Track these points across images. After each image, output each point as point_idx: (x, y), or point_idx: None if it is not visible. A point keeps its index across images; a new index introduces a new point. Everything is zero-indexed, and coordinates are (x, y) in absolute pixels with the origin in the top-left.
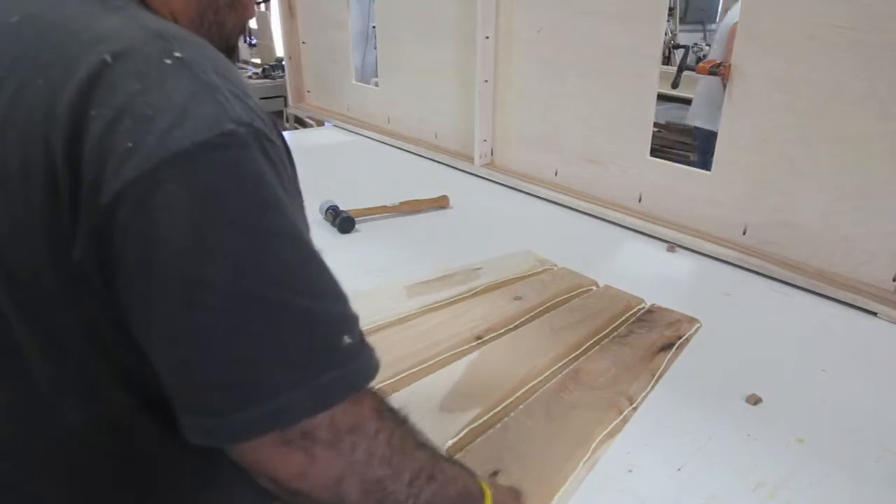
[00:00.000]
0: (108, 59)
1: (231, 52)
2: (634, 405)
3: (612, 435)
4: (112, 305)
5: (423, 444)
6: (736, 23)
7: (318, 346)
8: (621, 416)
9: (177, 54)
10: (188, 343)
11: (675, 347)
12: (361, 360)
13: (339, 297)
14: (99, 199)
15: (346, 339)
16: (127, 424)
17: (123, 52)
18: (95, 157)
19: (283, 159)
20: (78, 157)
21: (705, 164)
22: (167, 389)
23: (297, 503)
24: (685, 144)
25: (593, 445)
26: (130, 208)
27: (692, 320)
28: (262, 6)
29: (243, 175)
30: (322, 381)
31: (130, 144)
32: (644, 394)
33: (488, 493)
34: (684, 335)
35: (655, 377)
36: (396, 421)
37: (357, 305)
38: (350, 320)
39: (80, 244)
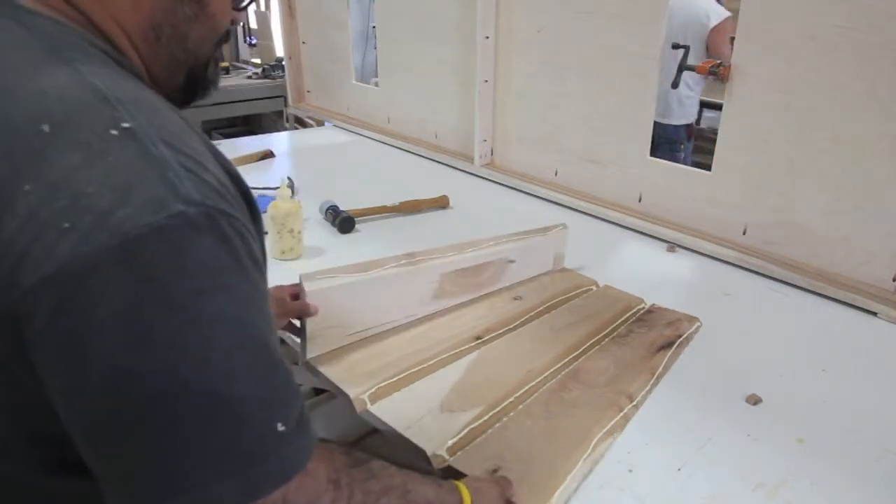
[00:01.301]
0: (46, 128)
1: (206, 66)
2: (635, 403)
3: (612, 433)
4: (21, 375)
5: (388, 490)
6: (717, 24)
7: (250, 437)
8: (621, 414)
9: (124, 124)
10: (114, 432)
11: (674, 346)
12: (296, 446)
13: (277, 383)
14: (23, 279)
15: (280, 427)
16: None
17: (63, 121)
18: (26, 235)
19: (244, 229)
20: (1, 231)
21: (673, 157)
22: (93, 470)
23: None
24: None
25: (593, 442)
26: (62, 292)
27: (692, 319)
28: (260, 5)
29: (188, 260)
30: (252, 472)
31: (67, 225)
32: (644, 392)
33: (467, 498)
34: (684, 334)
35: (655, 375)
36: (356, 480)
37: (382, 298)
38: (286, 405)
39: None
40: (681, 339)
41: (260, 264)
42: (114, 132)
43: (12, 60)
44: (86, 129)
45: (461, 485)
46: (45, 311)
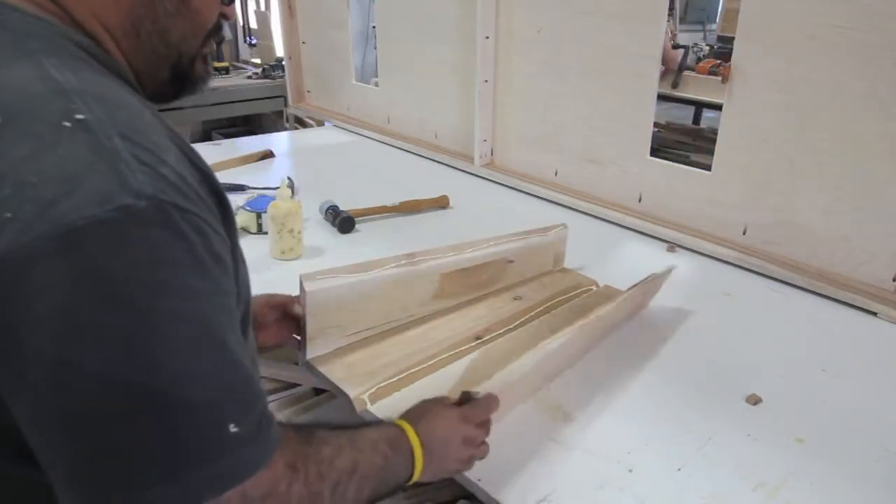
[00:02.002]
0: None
1: (192, 61)
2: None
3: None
4: None
5: (340, 448)
6: None
7: (196, 440)
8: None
9: (78, 116)
10: (55, 428)
11: None
12: (253, 448)
13: (232, 383)
14: None
15: (233, 429)
16: None
17: (16, 113)
18: None
19: (203, 224)
20: None
21: None
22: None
23: None
24: (685, 144)
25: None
26: (3, 282)
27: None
28: (257, 5)
29: (134, 254)
30: (197, 475)
31: (9, 214)
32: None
33: (410, 430)
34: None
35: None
36: (311, 455)
37: (382, 298)
38: (241, 407)
39: None
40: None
41: (224, 263)
42: (66, 124)
43: None
44: (38, 120)
45: (399, 421)
46: None
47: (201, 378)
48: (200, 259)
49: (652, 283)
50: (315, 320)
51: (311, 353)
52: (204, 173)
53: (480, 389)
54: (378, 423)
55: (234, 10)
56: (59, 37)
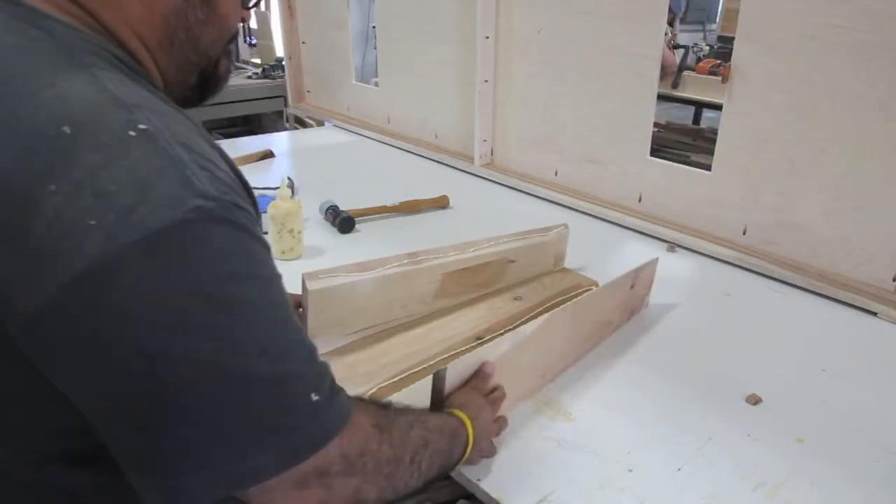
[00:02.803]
0: (67, 129)
1: (216, 65)
2: None
3: None
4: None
5: (412, 423)
6: None
7: (287, 411)
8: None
9: (141, 126)
10: (152, 414)
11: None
12: (331, 411)
13: (307, 356)
14: (54, 278)
15: (314, 397)
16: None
17: (83, 123)
18: (54, 234)
19: (254, 220)
20: (30, 231)
21: None
22: (119, 454)
23: None
24: (685, 144)
25: None
26: (94, 288)
27: None
28: (262, 5)
29: (210, 250)
30: (289, 441)
31: (93, 222)
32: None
33: (467, 420)
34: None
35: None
36: (392, 420)
37: (383, 298)
38: (317, 377)
39: (20, 318)
40: None
41: (269, 248)
42: (132, 133)
43: (33, 64)
44: (105, 130)
45: (457, 411)
46: (78, 307)
47: (284, 356)
48: (260, 250)
49: (640, 275)
50: (317, 319)
51: None
52: (241, 177)
53: (449, 367)
54: (440, 411)
55: (251, 13)
56: (102, 49)
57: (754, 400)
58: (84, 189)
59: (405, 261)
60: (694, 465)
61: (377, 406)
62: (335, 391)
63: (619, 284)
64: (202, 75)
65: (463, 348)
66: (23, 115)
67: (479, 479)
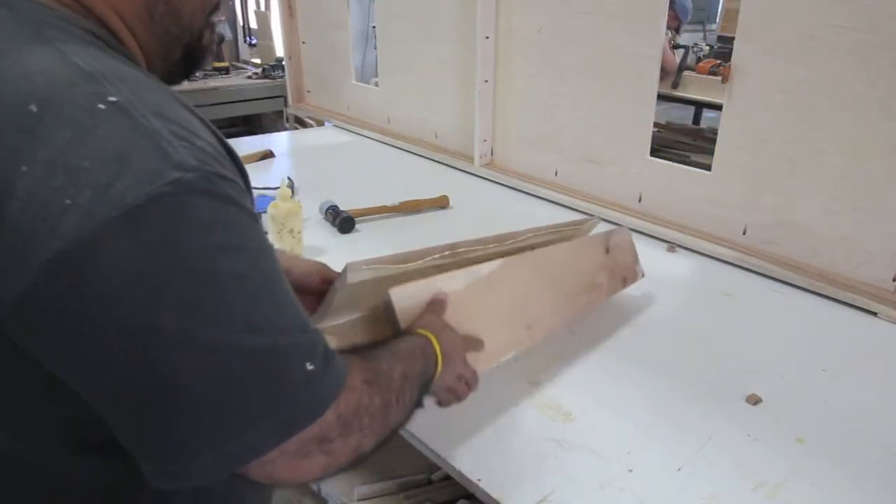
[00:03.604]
0: (34, 108)
1: (199, 38)
2: None
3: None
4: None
5: (391, 362)
6: None
7: (280, 383)
8: None
9: (111, 98)
10: (143, 394)
11: None
12: (326, 380)
13: (300, 327)
14: (33, 261)
15: (309, 367)
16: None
17: (50, 99)
18: (29, 216)
19: (240, 189)
20: (5, 215)
21: None
22: (123, 439)
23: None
24: (685, 144)
25: None
26: (75, 267)
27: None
28: (257, 5)
29: (191, 223)
30: (287, 413)
31: (68, 201)
32: None
33: (431, 336)
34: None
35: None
36: (377, 369)
37: None
38: (311, 345)
39: (6, 306)
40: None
41: (258, 220)
42: (101, 106)
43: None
44: (72, 105)
45: (420, 330)
46: (59, 289)
47: (274, 328)
48: (247, 221)
49: (612, 239)
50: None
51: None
52: (227, 146)
53: (391, 292)
54: (405, 334)
55: None
56: (71, 24)
57: (754, 400)
58: (56, 168)
59: (446, 253)
60: (694, 465)
61: (360, 358)
62: (329, 358)
63: (588, 244)
64: (186, 49)
65: (435, 256)
66: None
67: (479, 480)
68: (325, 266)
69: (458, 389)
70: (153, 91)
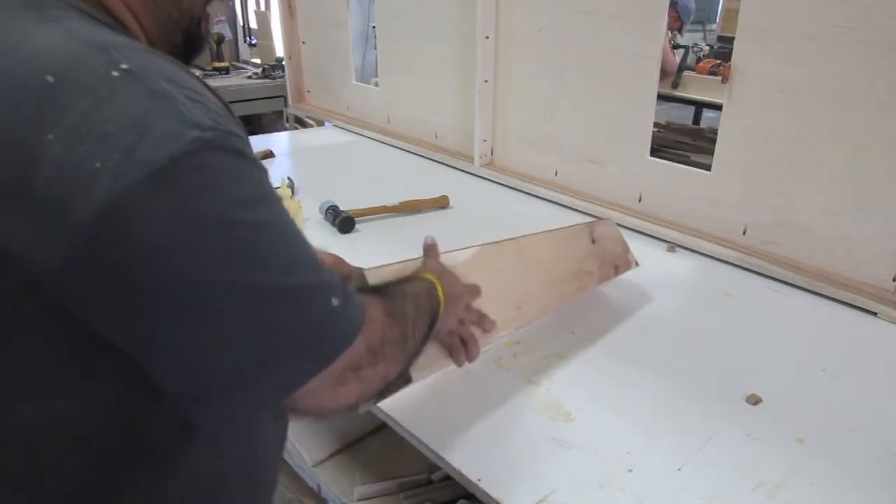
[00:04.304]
0: (51, 79)
1: (199, 23)
2: None
3: None
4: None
5: (403, 297)
6: None
7: (313, 318)
8: None
9: (123, 66)
10: (191, 342)
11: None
12: (351, 312)
13: (320, 267)
14: (73, 224)
15: (335, 302)
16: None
17: (66, 70)
18: (60, 183)
19: (249, 144)
20: (36, 184)
21: None
22: (174, 389)
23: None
24: (685, 144)
25: None
26: (112, 227)
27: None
28: (257, 5)
29: (216, 178)
30: (322, 344)
31: (98, 165)
32: None
33: (433, 278)
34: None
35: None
36: (393, 303)
37: None
38: (333, 284)
39: (50, 273)
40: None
41: (267, 173)
42: (115, 73)
43: (5, 21)
44: (88, 74)
45: (426, 275)
46: (99, 250)
47: (301, 268)
48: (260, 173)
49: (597, 229)
50: None
51: None
52: (228, 106)
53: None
54: (410, 277)
55: None
56: (73, 9)
57: (754, 400)
58: (82, 134)
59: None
60: (694, 465)
61: (377, 294)
62: (349, 295)
63: (571, 234)
64: (186, 34)
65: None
66: (2, 73)
67: (479, 479)
68: (339, 259)
69: (462, 332)
70: (160, 60)
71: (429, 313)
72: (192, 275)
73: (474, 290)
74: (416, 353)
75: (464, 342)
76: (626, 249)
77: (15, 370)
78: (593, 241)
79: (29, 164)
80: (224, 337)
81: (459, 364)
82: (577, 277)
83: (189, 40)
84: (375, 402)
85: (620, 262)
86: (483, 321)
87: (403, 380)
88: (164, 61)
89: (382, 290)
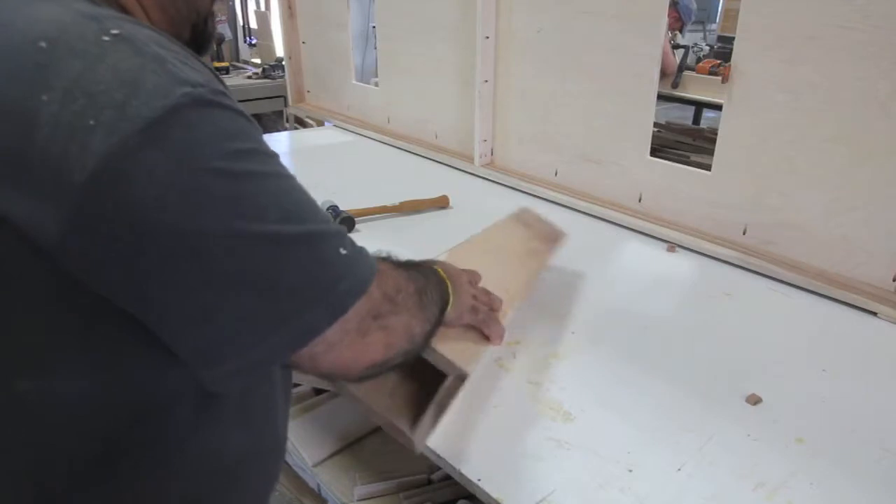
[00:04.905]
0: (44, 44)
1: (206, 20)
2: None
3: None
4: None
5: (409, 264)
6: None
7: (322, 266)
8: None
9: (113, 31)
10: (198, 295)
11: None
12: (362, 261)
13: (326, 218)
14: (72, 181)
15: (342, 251)
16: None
17: (58, 36)
18: (57, 141)
19: (240, 108)
20: (34, 144)
21: None
22: (185, 349)
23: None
24: (685, 144)
25: None
26: (112, 182)
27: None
28: (257, 5)
29: (211, 130)
30: (335, 292)
31: (92, 122)
32: None
33: (437, 268)
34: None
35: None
36: (403, 264)
37: None
38: (341, 233)
39: (47, 226)
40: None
41: (262, 133)
42: (105, 38)
43: (7, 2)
44: (79, 38)
45: (432, 263)
46: (103, 205)
47: (305, 216)
48: (255, 130)
49: (523, 217)
50: None
51: None
52: (222, 81)
53: None
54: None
55: None
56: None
57: (754, 400)
58: (74, 93)
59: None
60: (694, 465)
61: (386, 259)
62: (357, 246)
63: (507, 224)
64: (194, 30)
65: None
66: (1, 47)
67: (479, 479)
68: None
69: (479, 307)
70: (149, 30)
71: (437, 284)
72: (192, 225)
73: (471, 272)
74: (435, 322)
75: (487, 312)
76: (552, 224)
77: (14, 346)
78: (526, 227)
79: (28, 128)
80: (231, 287)
81: (496, 338)
82: (533, 255)
83: (196, 37)
84: (405, 359)
85: (555, 237)
86: (492, 299)
87: (459, 376)
88: (153, 31)
89: (386, 259)
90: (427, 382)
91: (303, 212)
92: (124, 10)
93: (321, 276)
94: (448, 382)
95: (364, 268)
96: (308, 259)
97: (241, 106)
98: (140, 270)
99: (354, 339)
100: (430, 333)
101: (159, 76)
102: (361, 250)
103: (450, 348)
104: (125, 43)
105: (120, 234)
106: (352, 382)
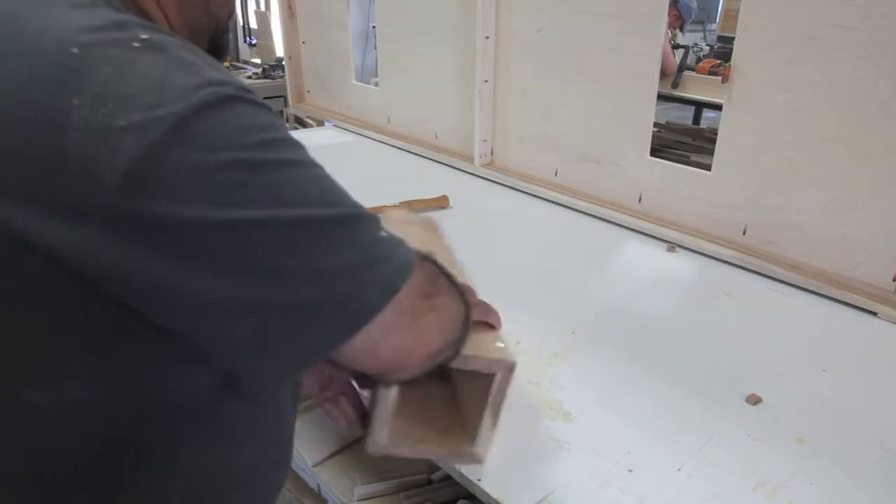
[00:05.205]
0: (76, 50)
1: (222, 34)
2: None
3: None
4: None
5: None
6: None
7: (367, 248)
8: None
9: (143, 37)
10: (248, 288)
11: None
12: (400, 244)
13: (358, 202)
14: (104, 183)
15: (382, 233)
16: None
17: (89, 43)
18: (88, 144)
19: (267, 105)
20: (66, 148)
21: None
22: (235, 350)
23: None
24: (685, 144)
25: None
26: (144, 182)
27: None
28: (257, 5)
29: (238, 123)
30: (384, 272)
31: (122, 123)
32: None
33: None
34: None
35: None
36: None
37: None
38: (375, 218)
39: (78, 231)
40: None
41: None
42: (136, 44)
43: (39, 7)
44: (110, 46)
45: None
46: (134, 205)
47: (341, 201)
48: (281, 124)
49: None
50: None
51: None
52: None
53: None
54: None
55: None
56: (103, 3)
57: (754, 400)
58: (105, 97)
59: None
60: (694, 465)
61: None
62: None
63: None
64: (213, 41)
65: None
66: (29, 50)
67: (479, 479)
68: None
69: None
70: (177, 39)
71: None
72: (231, 216)
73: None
74: (466, 304)
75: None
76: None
77: (14, 346)
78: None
79: (59, 132)
80: (276, 278)
81: (499, 324)
82: (435, 242)
83: (214, 47)
84: (461, 354)
85: (432, 224)
86: (489, 313)
87: (508, 368)
88: (177, 38)
89: None
90: (448, 406)
91: (339, 195)
92: (147, 16)
93: (369, 257)
94: (497, 381)
95: (405, 249)
96: (352, 240)
97: (267, 103)
98: (181, 269)
99: (410, 322)
100: (467, 318)
101: (186, 77)
102: (394, 234)
103: (481, 348)
104: (155, 48)
105: (149, 235)
106: (409, 377)
